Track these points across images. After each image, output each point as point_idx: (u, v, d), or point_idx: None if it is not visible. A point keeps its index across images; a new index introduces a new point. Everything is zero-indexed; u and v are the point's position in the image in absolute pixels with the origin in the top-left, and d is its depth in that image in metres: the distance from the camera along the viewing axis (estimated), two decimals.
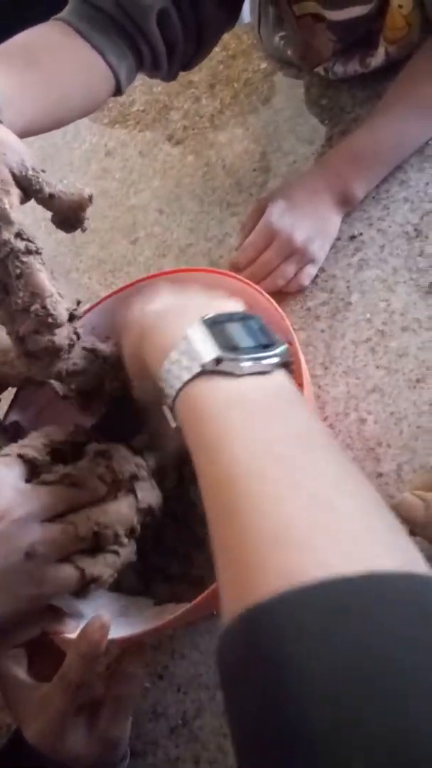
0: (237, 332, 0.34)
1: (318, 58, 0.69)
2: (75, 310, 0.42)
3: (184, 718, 0.49)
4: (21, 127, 0.48)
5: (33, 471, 0.42)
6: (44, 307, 0.38)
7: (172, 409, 0.34)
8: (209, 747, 0.48)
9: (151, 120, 0.89)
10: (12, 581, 0.38)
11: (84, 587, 0.41)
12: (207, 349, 0.33)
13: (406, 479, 0.50)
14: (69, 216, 0.42)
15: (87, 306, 0.57)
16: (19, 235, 0.38)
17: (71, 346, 0.42)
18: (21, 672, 0.44)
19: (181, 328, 0.35)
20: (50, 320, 0.39)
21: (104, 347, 0.45)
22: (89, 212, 0.42)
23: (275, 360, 0.34)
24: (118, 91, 0.58)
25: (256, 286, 0.48)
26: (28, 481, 0.41)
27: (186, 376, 0.33)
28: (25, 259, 0.38)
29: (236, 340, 0.34)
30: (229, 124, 0.82)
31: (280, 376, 0.33)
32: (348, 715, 0.20)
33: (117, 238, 0.80)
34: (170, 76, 0.63)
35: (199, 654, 0.51)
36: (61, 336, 0.40)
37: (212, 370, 0.32)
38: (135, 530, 0.43)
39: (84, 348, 0.44)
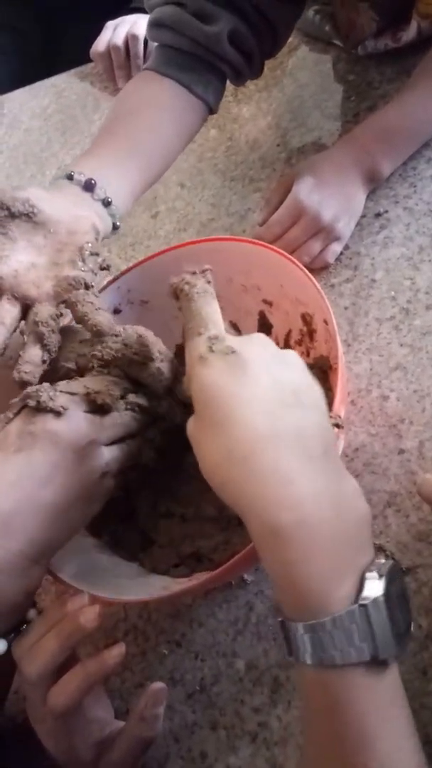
0: (403, 610, 0.31)
1: (360, 36, 0.69)
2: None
3: (201, 685, 0.50)
4: (130, 197, 0.56)
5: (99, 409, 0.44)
6: None
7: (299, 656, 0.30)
8: (226, 712, 0.48)
9: None
10: (87, 497, 0.42)
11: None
12: (387, 641, 0.29)
13: (428, 456, 0.51)
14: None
15: (109, 278, 0.57)
16: None
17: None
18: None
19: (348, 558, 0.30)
20: None
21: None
22: None
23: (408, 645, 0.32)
24: (210, 112, 0.63)
25: (296, 261, 0.48)
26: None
27: (354, 658, 0.29)
28: None
29: (402, 622, 0.31)
30: (253, 98, 0.81)
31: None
32: None
33: (138, 212, 0.80)
34: (254, 76, 0.65)
35: (217, 622, 0.52)
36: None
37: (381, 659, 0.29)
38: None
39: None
